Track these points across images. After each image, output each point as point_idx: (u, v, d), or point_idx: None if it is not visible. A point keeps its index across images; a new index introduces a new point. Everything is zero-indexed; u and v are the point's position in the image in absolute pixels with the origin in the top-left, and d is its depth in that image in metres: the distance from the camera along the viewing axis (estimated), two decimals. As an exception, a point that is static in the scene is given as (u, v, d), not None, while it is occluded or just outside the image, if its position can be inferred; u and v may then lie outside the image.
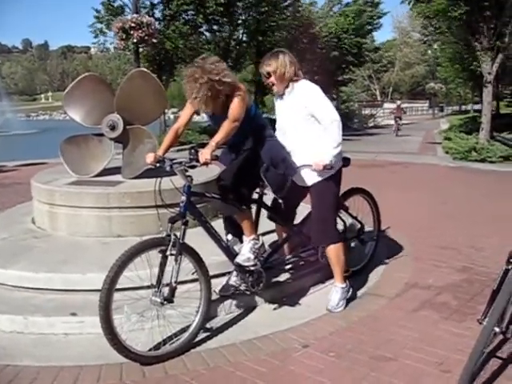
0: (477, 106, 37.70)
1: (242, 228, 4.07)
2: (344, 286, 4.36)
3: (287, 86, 4.20)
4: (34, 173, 6.48)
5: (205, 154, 3.47)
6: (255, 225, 4.23)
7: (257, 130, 4.02)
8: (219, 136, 3.64)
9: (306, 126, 4.17)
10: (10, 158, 15.54)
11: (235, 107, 3.72)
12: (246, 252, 4.02)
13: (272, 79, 4.16)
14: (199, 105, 3.69)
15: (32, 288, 4.29)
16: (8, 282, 4.39)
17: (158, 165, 3.68)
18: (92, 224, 5.18)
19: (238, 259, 4.01)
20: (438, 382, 3.19)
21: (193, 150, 3.54)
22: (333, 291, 4.36)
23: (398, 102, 31.98)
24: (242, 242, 4.13)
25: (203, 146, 3.72)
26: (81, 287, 4.18)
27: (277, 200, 4.45)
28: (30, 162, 13.88)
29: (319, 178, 4.15)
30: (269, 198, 4.40)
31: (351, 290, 4.47)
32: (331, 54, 31.76)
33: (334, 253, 4.29)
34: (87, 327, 3.78)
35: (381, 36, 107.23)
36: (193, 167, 3.58)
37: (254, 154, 4.00)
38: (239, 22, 26.30)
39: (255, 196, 4.28)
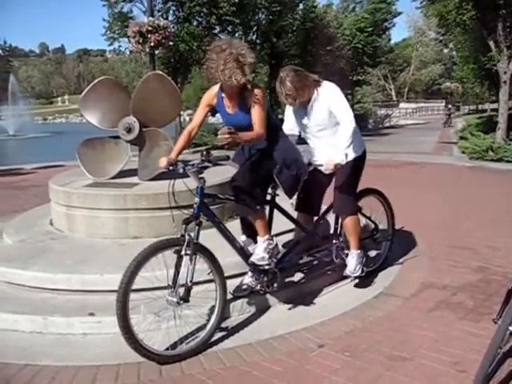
0: (494, 105, 37.36)
1: (256, 228, 4.09)
2: (359, 252, 4.64)
3: (312, 93, 4.35)
4: (51, 175, 6.56)
5: (223, 133, 3.51)
6: (268, 226, 4.25)
7: (270, 130, 4.05)
8: (247, 135, 3.72)
9: (332, 124, 4.37)
10: (28, 160, 15.70)
11: (259, 118, 3.80)
12: (260, 252, 4.05)
13: (297, 102, 4.31)
14: (224, 76, 3.67)
15: (51, 289, 4.35)
16: (27, 283, 4.45)
17: (171, 168, 3.72)
18: (109, 225, 5.24)
19: (253, 258, 4.05)
20: (454, 381, 3.19)
21: (204, 152, 3.58)
22: (349, 258, 4.65)
23: (449, 106, 40.55)
24: (256, 243, 4.15)
25: (217, 148, 3.76)
26: (99, 288, 4.24)
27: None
28: (47, 165, 14.00)
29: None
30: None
31: (365, 259, 4.80)
32: (346, 55, 31.67)
33: (351, 224, 4.60)
34: (105, 327, 3.83)
35: (396, 35, 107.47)
36: (205, 168, 3.61)
37: (266, 154, 4.04)
38: (252, 23, 26.31)
39: (268, 197, 4.31)
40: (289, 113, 4.65)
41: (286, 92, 4.26)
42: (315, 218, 4.72)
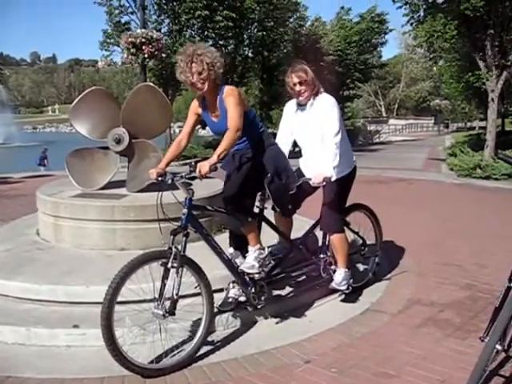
0: (482, 123, 37.73)
1: (248, 238, 4.09)
2: (346, 270, 4.63)
3: (309, 99, 4.39)
4: (39, 185, 6.52)
5: (203, 166, 3.49)
6: None
7: (259, 136, 4.07)
8: (222, 147, 3.64)
9: (321, 139, 4.37)
10: (16, 169, 15.61)
11: (233, 115, 3.73)
12: (250, 260, 4.06)
13: (304, 87, 4.34)
14: (184, 68, 3.75)
15: (35, 300, 4.30)
16: (11, 293, 4.40)
17: (160, 179, 3.71)
18: (96, 237, 5.20)
19: (243, 266, 4.04)
20: (440, 399, 3.18)
21: (193, 163, 3.58)
22: (336, 274, 4.63)
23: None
24: (244, 255, 4.16)
25: (207, 159, 3.75)
26: (84, 299, 4.19)
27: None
28: (35, 174, 13.93)
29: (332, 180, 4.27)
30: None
31: (352, 280, 4.74)
32: (336, 69, 31.86)
33: (338, 242, 4.57)
34: (89, 339, 3.78)
35: (387, 52, 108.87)
36: (192, 179, 3.60)
37: (257, 162, 4.03)
38: (244, 36, 26.49)
39: (256, 210, 4.30)
40: (284, 122, 4.66)
41: (301, 72, 4.32)
42: (291, 220, 4.70)
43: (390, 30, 36.15)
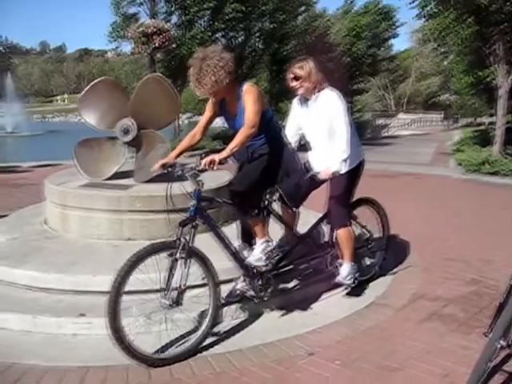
0: (491, 119, 37.46)
1: (255, 231, 4.11)
2: (352, 263, 4.63)
3: (312, 94, 4.40)
4: (47, 174, 6.54)
5: (212, 160, 3.49)
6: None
7: (274, 136, 4.08)
8: (234, 142, 3.65)
9: (327, 134, 4.39)
10: (25, 158, 15.67)
11: (250, 112, 3.74)
12: (257, 253, 4.08)
13: (297, 83, 4.37)
14: (194, 84, 3.76)
15: (42, 288, 4.34)
16: (18, 281, 4.44)
17: (169, 169, 3.72)
18: (103, 226, 5.22)
19: (250, 259, 4.07)
20: (443, 393, 3.19)
21: (203, 155, 3.59)
22: (342, 267, 4.63)
23: None
24: (251, 247, 4.18)
25: (216, 151, 3.76)
26: (90, 289, 4.22)
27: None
28: (44, 164, 13.95)
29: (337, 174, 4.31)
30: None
31: (359, 269, 4.76)
32: (344, 62, 31.71)
33: (343, 235, 4.59)
34: (95, 328, 3.81)
35: (398, 45, 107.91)
36: (202, 171, 3.60)
37: (269, 161, 4.03)
38: (255, 29, 26.38)
39: (264, 203, 4.30)
40: (291, 116, 4.69)
41: (296, 68, 4.35)
42: (298, 212, 4.69)
43: (402, 24, 35.89)
